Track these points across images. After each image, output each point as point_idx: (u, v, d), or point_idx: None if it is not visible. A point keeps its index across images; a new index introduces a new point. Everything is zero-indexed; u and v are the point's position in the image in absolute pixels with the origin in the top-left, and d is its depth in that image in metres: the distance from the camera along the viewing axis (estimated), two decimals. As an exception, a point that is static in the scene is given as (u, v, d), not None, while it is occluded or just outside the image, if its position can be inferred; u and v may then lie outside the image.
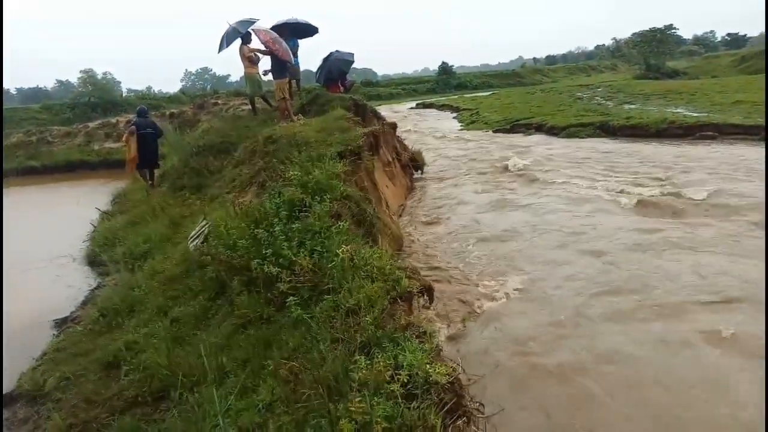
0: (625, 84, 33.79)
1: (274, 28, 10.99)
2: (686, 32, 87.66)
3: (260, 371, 3.56)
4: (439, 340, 3.17)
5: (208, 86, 68.99)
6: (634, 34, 57.84)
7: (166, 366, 3.96)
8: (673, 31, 54.92)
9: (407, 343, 2.87)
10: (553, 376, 4.40)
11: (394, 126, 12.24)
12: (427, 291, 4.04)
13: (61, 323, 6.09)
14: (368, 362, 2.76)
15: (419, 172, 12.74)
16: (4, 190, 18.63)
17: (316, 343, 3.44)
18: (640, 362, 4.51)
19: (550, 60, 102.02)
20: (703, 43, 78.99)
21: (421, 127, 25.04)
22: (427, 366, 2.59)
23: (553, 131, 18.15)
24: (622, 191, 9.77)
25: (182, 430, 3.14)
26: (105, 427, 3.69)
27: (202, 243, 5.93)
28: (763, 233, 6.91)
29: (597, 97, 27.22)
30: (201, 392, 3.55)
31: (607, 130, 16.77)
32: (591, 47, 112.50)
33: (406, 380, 2.52)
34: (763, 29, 52.66)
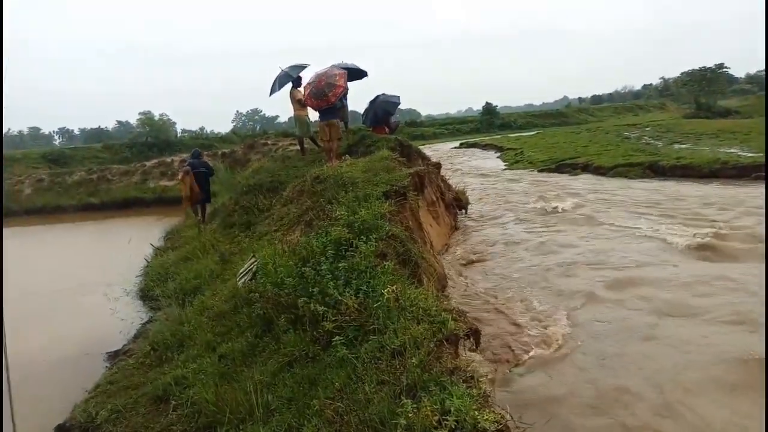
0: (675, 123, 33.09)
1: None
2: (738, 71, 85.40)
3: (305, 410, 3.57)
4: (486, 386, 3.11)
5: (258, 127, 71.46)
6: (683, 73, 56.95)
7: (214, 402, 4.02)
8: (724, 69, 53.77)
9: (454, 388, 2.83)
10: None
11: (438, 166, 12.33)
12: (474, 334, 3.99)
13: (113, 356, 6.29)
14: (414, 406, 2.73)
15: (463, 211, 12.72)
16: (67, 224, 19.61)
17: (362, 383, 3.44)
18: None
19: (596, 99, 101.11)
20: (757, 81, 76.77)
21: (465, 166, 25.10)
22: (475, 412, 2.55)
23: (600, 171, 17.88)
24: (672, 232, 9.47)
25: (228, 468, 3.16)
26: (153, 462, 3.75)
27: (251, 280, 6.05)
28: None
29: (645, 137, 26.71)
30: (246, 430, 3.58)
31: (656, 171, 16.40)
32: (638, 86, 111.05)
33: (453, 426, 2.48)
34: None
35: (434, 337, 3.61)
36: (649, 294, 6.90)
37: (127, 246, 12.09)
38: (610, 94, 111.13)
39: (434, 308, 4.00)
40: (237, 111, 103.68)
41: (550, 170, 19.97)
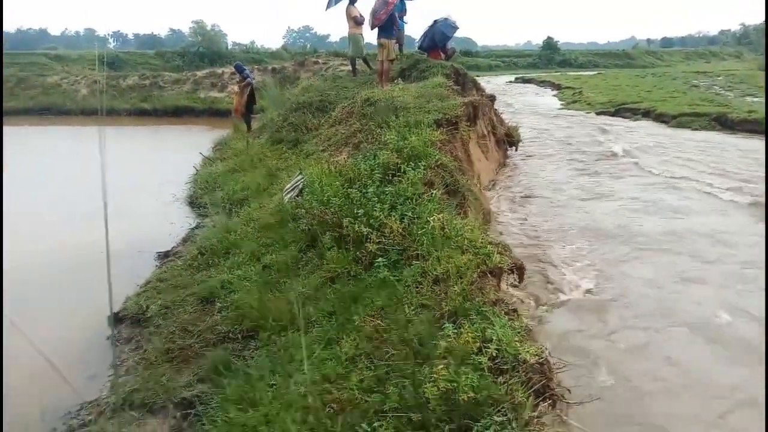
0: (750, 75, 30.73)
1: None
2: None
3: (345, 325, 3.68)
4: (527, 320, 3.12)
5: (309, 44, 70.12)
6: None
7: (257, 308, 4.18)
8: (815, 18, 49.10)
9: (496, 318, 2.84)
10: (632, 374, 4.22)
11: (492, 98, 11.94)
12: (518, 269, 3.97)
13: (163, 256, 6.55)
14: (455, 331, 2.77)
15: (513, 148, 12.38)
16: (120, 127, 20.12)
17: (402, 305, 3.50)
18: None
19: (666, 42, 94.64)
20: None
21: (519, 102, 24.26)
22: (517, 343, 2.56)
23: (662, 119, 16.94)
24: (737, 189, 9.03)
25: (269, 370, 3.31)
26: (198, 356, 3.97)
27: (297, 196, 6.13)
28: None
29: (716, 86, 25.06)
30: (288, 337, 3.72)
31: (723, 123, 15.38)
32: (714, 32, 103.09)
33: (494, 354, 2.51)
34: None
35: (478, 268, 3.61)
36: (690, 248, 6.71)
37: (177, 153, 12.38)
38: (683, 37, 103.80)
39: (480, 240, 3.98)
40: (288, 27, 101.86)
41: (608, 113, 19.09)
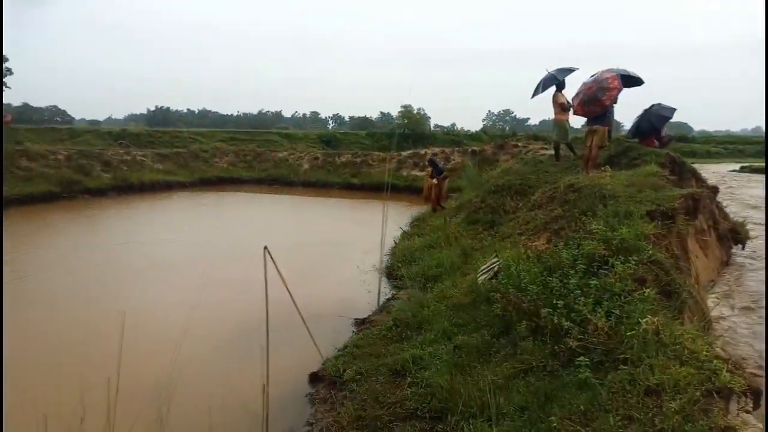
0: None
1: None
2: None
3: (538, 423, 3.46)
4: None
5: (508, 128, 71.35)
6: None
7: (447, 389, 4.14)
8: None
9: (728, 452, 2.42)
10: None
11: (715, 190, 10.70)
12: (753, 393, 3.35)
13: (360, 323, 6.94)
14: (675, 457, 2.41)
15: (739, 246, 10.83)
16: (332, 199, 22.35)
17: (606, 413, 3.18)
18: None
19: None
20: None
21: (746, 194, 21.35)
22: (758, 489, 2.13)
23: None
24: None
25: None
26: (387, 429, 4.03)
27: (491, 279, 6.09)
28: None
29: None
30: (476, 426, 3.61)
31: None
32: None
33: (727, 495, 2.12)
34: None
35: (702, 385, 3.15)
36: None
37: (376, 224, 13.28)
38: None
39: (704, 352, 3.48)
40: (489, 111, 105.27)
41: None
